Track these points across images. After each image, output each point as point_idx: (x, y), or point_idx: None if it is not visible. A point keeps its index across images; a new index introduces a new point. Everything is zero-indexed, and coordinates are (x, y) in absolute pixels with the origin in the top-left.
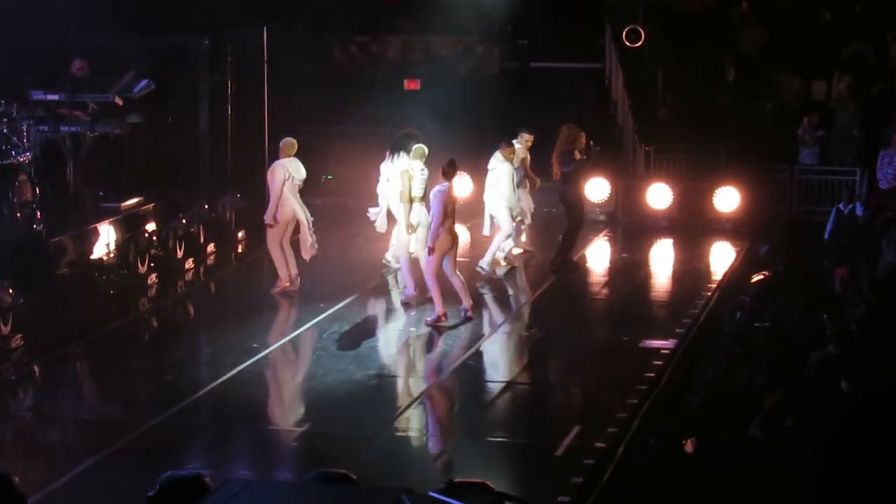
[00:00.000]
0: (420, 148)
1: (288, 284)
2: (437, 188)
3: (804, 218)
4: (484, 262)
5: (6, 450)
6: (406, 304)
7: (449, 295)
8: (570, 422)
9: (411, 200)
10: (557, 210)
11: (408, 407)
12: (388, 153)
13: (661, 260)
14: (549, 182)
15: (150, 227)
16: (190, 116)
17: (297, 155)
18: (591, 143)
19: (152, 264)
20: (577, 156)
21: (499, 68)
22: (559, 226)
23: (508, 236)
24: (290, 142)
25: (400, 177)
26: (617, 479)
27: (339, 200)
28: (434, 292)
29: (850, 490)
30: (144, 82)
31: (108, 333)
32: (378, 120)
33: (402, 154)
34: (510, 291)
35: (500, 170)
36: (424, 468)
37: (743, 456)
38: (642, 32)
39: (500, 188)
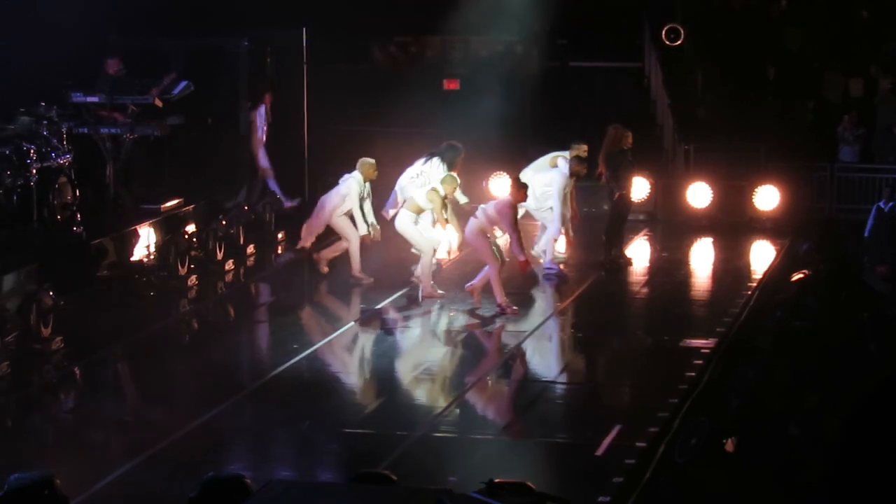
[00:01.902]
0: (451, 178)
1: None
2: (504, 200)
3: (844, 216)
4: (548, 261)
5: (48, 451)
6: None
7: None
8: (611, 421)
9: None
10: (597, 209)
11: (448, 406)
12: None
13: (702, 259)
14: (589, 181)
15: (190, 228)
16: (230, 118)
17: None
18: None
19: (192, 266)
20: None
21: (538, 68)
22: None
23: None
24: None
25: (429, 198)
26: (658, 478)
27: (378, 201)
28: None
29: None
30: (184, 84)
31: (149, 335)
32: (418, 120)
33: (436, 160)
34: (550, 291)
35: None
36: (465, 468)
37: (783, 455)
38: (681, 31)
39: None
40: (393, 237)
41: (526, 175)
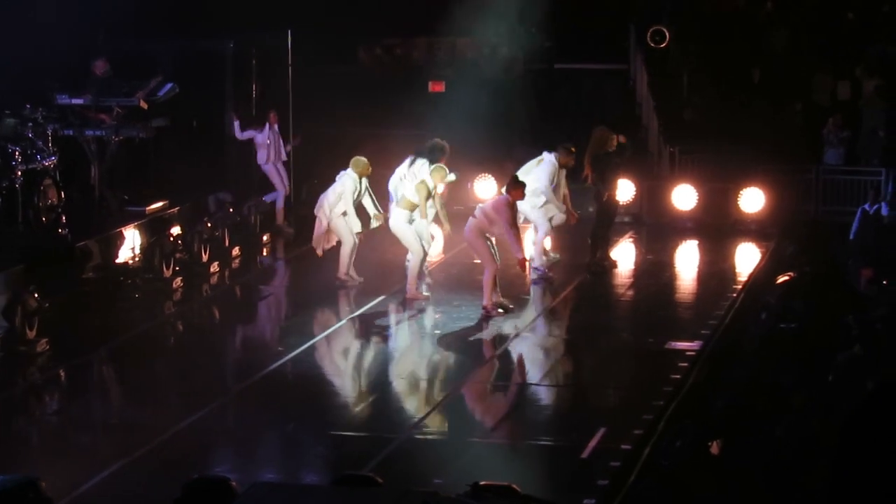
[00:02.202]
0: (440, 168)
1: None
2: (501, 199)
3: (829, 218)
4: (536, 262)
5: (33, 454)
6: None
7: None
8: (596, 424)
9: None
10: (582, 212)
11: (433, 409)
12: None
13: (687, 261)
14: (576, 184)
15: (176, 230)
16: (215, 120)
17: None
18: (623, 140)
19: (177, 268)
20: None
21: (524, 70)
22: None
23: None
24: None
25: (416, 189)
26: (643, 481)
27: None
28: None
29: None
30: (169, 86)
31: (134, 337)
32: (403, 122)
33: (421, 161)
34: (535, 293)
35: (541, 174)
36: (450, 471)
37: (769, 457)
38: (667, 33)
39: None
40: (383, 239)
41: None
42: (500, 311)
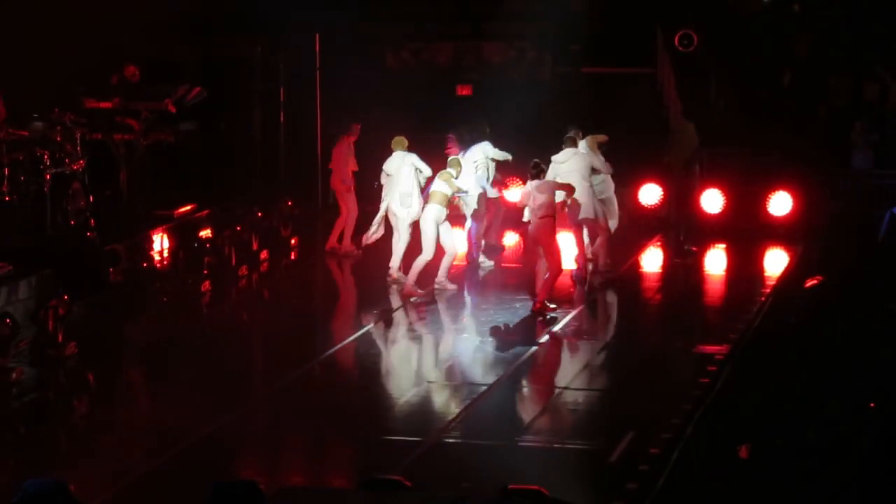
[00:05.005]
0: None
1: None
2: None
3: (858, 222)
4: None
5: (62, 458)
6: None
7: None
8: (625, 427)
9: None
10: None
11: (462, 413)
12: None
13: (715, 264)
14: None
15: (204, 234)
16: (243, 124)
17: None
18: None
19: (206, 271)
20: None
21: (550, 74)
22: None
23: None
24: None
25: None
26: (671, 485)
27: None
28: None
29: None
30: (197, 90)
31: (162, 340)
32: (430, 126)
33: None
34: (564, 297)
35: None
36: (479, 474)
37: (798, 462)
38: (694, 37)
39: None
40: (413, 244)
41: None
42: (553, 306)
